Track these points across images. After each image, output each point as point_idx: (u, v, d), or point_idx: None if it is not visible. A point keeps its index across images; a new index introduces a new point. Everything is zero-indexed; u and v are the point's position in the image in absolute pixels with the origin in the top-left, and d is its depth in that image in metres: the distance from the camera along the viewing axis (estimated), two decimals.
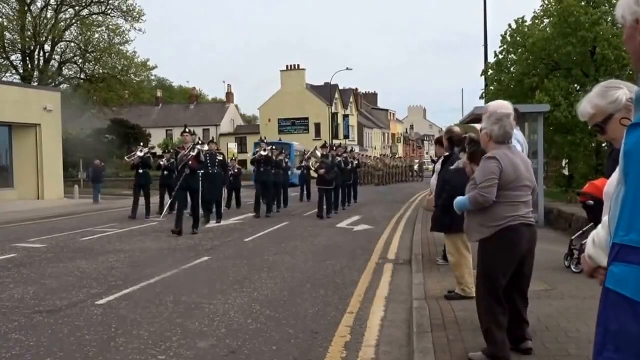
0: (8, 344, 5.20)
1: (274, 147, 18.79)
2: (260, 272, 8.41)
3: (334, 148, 19.08)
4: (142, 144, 18.16)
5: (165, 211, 16.37)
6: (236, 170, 19.47)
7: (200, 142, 14.37)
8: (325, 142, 19.04)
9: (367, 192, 28.11)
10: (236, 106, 69.65)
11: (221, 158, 16.53)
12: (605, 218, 2.20)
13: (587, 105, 2.57)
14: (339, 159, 18.42)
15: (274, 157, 17.89)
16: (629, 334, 1.76)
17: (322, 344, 5.12)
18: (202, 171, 14.11)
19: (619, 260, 1.81)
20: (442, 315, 5.62)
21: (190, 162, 12.35)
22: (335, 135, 57.69)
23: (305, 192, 23.35)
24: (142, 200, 16.76)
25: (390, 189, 34.58)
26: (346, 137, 64.00)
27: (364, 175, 36.86)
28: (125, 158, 20.25)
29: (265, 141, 18.20)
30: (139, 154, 16.91)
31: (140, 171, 16.74)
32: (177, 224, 12.40)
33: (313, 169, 17.89)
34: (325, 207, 16.20)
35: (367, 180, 38.08)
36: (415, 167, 55.60)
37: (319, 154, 17.44)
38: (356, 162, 23.15)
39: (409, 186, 37.86)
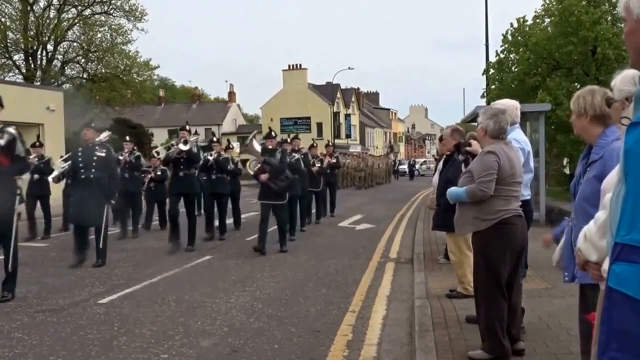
0: (11, 343, 5.23)
1: (215, 140, 13.35)
2: (262, 271, 8.42)
3: (289, 141, 12.67)
4: (37, 144, 12.37)
5: None
6: (159, 173, 13.46)
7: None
8: (270, 129, 11.51)
9: (363, 193, 28.00)
10: (238, 105, 69.67)
11: (103, 154, 9.65)
12: (598, 213, 2.21)
13: None
14: (296, 155, 12.25)
15: (216, 156, 12.02)
16: (632, 334, 1.76)
17: (324, 343, 5.14)
18: (26, 174, 8.07)
19: (621, 259, 1.80)
20: (444, 313, 5.64)
21: None
22: (337, 135, 57.71)
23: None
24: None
25: (387, 188, 34.41)
26: (348, 136, 64.07)
27: (344, 176, 31.33)
28: None
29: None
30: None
31: (36, 176, 11.85)
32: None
33: (250, 172, 10.92)
34: (279, 231, 10.41)
35: (347, 182, 32.77)
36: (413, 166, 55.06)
37: (257, 148, 10.36)
38: (333, 160, 16.92)
39: (409, 185, 37.77)
